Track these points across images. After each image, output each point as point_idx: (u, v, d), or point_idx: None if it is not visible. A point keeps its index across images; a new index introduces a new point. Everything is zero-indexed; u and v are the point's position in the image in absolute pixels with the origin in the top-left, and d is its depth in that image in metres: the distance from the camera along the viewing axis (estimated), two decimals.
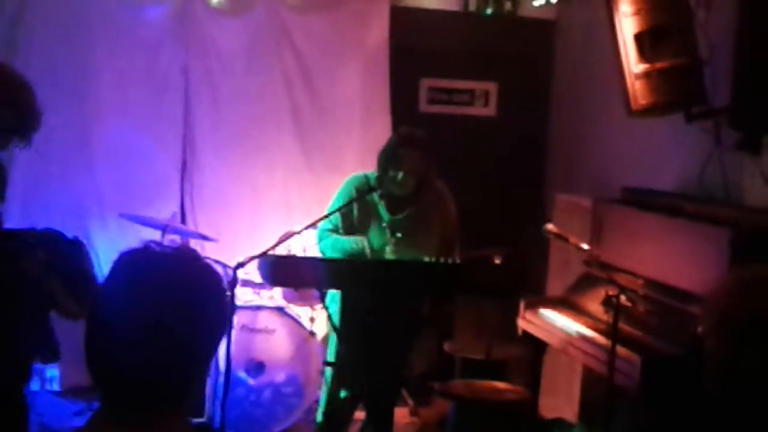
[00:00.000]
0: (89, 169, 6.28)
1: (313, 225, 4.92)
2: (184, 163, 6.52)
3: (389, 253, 4.91)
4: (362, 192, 4.90)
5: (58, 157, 6.21)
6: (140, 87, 6.35)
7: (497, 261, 5.19)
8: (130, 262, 1.81)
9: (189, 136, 6.50)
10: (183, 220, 6.46)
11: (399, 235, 4.94)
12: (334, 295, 4.84)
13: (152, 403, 1.78)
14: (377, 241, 4.93)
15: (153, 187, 6.43)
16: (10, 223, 6.12)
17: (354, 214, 4.95)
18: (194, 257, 1.86)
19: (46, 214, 6.18)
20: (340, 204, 4.93)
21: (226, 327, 1.88)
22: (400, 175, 4.86)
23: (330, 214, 4.91)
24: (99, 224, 6.19)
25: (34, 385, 6.17)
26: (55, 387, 6.21)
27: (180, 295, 1.76)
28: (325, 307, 4.75)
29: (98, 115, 6.27)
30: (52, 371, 6.18)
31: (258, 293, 5.90)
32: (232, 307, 4.56)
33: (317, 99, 6.65)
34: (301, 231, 4.96)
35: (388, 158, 4.93)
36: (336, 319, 4.68)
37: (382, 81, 6.78)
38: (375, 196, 4.94)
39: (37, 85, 6.03)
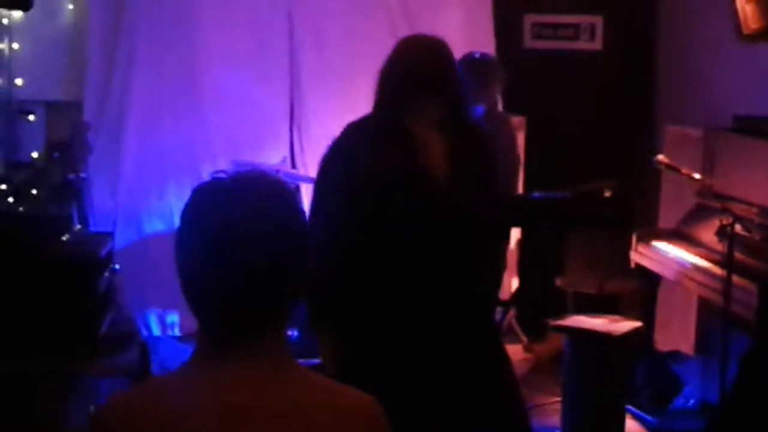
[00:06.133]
0: (200, 116, 6.37)
1: None
2: (291, 108, 6.58)
3: None
4: None
5: (168, 105, 6.33)
6: (245, 32, 6.40)
7: (607, 194, 5.15)
8: (202, 195, 1.83)
9: (295, 80, 6.55)
10: (293, 165, 6.53)
11: None
12: None
13: (249, 329, 1.82)
14: None
15: (263, 133, 6.51)
16: (126, 172, 6.31)
17: None
18: (263, 176, 1.87)
19: (159, 162, 6.32)
20: None
21: (307, 240, 1.91)
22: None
23: None
24: (211, 170, 6.28)
25: (155, 331, 6.36)
26: (176, 332, 6.37)
27: (259, 219, 1.78)
28: None
29: (206, 62, 6.36)
30: (173, 317, 6.34)
31: None
32: None
33: None
34: None
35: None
36: None
37: (485, 18, 6.73)
38: None
39: (145, 33, 6.24)
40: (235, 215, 1.78)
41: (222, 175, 1.86)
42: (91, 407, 4.10)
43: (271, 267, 1.80)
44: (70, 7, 6.26)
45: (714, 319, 5.00)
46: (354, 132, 3.50)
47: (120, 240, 5.95)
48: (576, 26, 7.03)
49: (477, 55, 5.29)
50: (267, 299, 1.81)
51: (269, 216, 1.80)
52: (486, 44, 6.65)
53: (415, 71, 3.35)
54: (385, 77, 3.42)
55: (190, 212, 1.84)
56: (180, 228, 1.85)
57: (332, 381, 1.92)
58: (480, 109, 4.96)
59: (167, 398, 1.80)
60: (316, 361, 5.53)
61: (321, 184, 3.46)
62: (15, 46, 5.96)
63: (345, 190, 3.29)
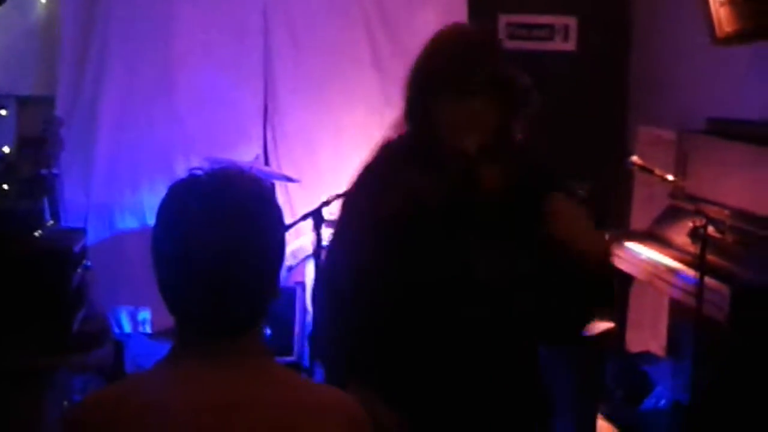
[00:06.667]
0: (173, 112, 6.33)
1: None
2: (265, 106, 6.57)
3: None
4: None
5: (142, 101, 6.28)
6: (220, 29, 6.36)
7: (581, 194, 5.16)
8: (180, 191, 1.83)
9: (270, 78, 6.52)
10: (267, 162, 6.52)
11: None
12: None
13: (226, 326, 1.81)
14: None
15: (236, 130, 6.48)
16: (98, 168, 6.27)
17: None
18: (240, 173, 1.87)
19: (132, 159, 6.28)
20: None
21: (284, 236, 1.90)
22: None
23: None
24: (185, 167, 6.25)
25: (127, 328, 6.32)
26: (147, 329, 6.33)
27: (237, 217, 1.78)
28: None
29: (180, 58, 6.31)
30: (144, 314, 6.30)
31: None
32: (319, 246, 4.60)
33: (396, 37, 6.62)
34: None
35: None
36: None
37: (460, 17, 6.71)
38: None
39: (118, 28, 6.21)
40: (212, 213, 1.77)
41: (198, 172, 1.85)
42: (65, 404, 4.08)
43: (248, 265, 1.79)
44: (42, 0, 6.21)
45: (685, 321, 5.03)
46: (385, 155, 2.75)
47: (91, 236, 5.90)
48: (550, 27, 7.04)
49: None
50: (243, 298, 1.81)
51: (247, 214, 1.80)
52: None
53: (453, 64, 2.58)
54: (411, 78, 2.71)
55: (166, 209, 1.83)
56: (156, 225, 1.84)
57: (308, 379, 1.92)
58: None
59: (143, 396, 1.79)
60: (290, 358, 5.56)
61: (344, 217, 2.78)
62: None
63: (368, 229, 2.60)
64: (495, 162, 2.61)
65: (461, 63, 2.57)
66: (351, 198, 2.78)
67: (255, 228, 1.80)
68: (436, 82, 2.59)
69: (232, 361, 1.80)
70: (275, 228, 1.86)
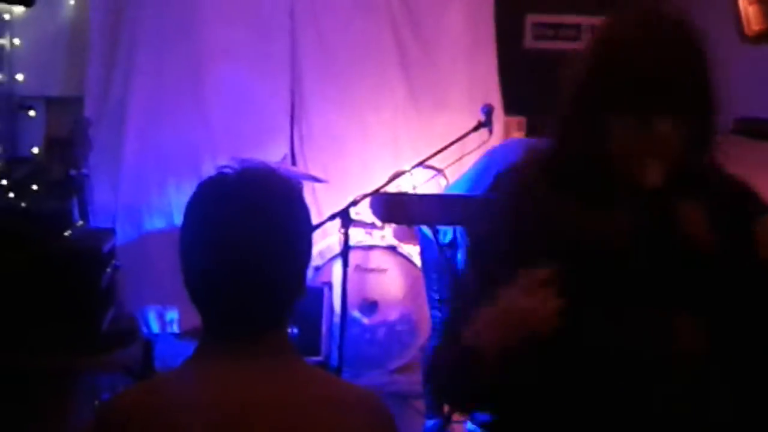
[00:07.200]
0: (200, 113, 6.37)
1: (421, 163, 4.93)
2: (292, 106, 6.58)
3: None
4: None
5: (169, 102, 6.32)
6: (247, 30, 6.40)
7: None
8: (208, 189, 1.83)
9: (296, 78, 6.54)
10: (294, 162, 6.53)
11: None
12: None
13: (253, 324, 1.81)
14: None
15: (263, 130, 6.50)
16: (126, 169, 6.30)
17: None
18: (269, 172, 1.86)
19: (159, 159, 6.31)
20: None
21: (311, 236, 1.90)
22: None
23: None
24: (212, 167, 6.26)
25: (155, 327, 6.35)
26: (175, 329, 6.35)
27: (264, 216, 1.78)
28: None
29: (207, 58, 6.35)
30: (172, 314, 6.32)
31: (370, 233, 5.95)
32: (346, 246, 4.60)
33: (422, 36, 6.62)
34: (411, 170, 4.99)
35: None
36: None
37: (486, 17, 6.72)
38: None
39: (146, 29, 6.24)
40: (240, 211, 1.77)
41: (228, 170, 1.85)
42: (96, 403, 4.10)
43: (276, 264, 1.79)
44: (71, 2, 6.25)
45: None
46: (530, 183, 2.02)
47: (120, 236, 5.93)
48: (577, 27, 7.02)
49: None
50: (270, 296, 1.81)
51: (275, 213, 1.80)
52: (487, 44, 6.67)
53: (638, 77, 1.87)
54: (574, 85, 2.02)
55: (194, 207, 1.83)
56: (184, 223, 1.84)
57: (334, 376, 1.92)
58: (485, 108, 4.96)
59: (171, 394, 1.79)
60: (318, 358, 5.57)
61: (485, 261, 2.04)
62: (16, 41, 5.96)
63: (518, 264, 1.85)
64: (689, 197, 1.93)
65: (650, 77, 1.88)
66: (493, 238, 2.05)
67: (283, 227, 1.80)
68: (612, 99, 1.90)
69: (258, 359, 1.80)
70: (303, 227, 1.86)
